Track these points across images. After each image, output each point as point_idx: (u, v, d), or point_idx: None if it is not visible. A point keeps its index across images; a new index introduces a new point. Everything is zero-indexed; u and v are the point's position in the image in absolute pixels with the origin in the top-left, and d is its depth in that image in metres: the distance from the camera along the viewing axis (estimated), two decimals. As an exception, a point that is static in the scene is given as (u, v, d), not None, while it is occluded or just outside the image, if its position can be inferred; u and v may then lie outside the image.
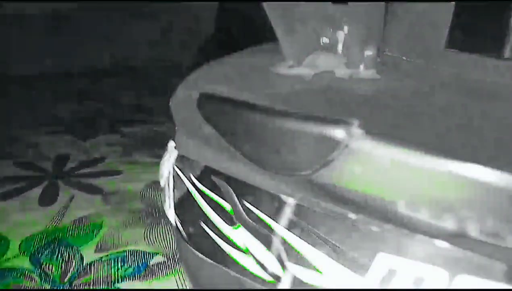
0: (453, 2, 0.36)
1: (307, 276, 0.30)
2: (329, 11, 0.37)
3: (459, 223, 0.25)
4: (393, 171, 0.26)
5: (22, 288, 0.81)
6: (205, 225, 0.36)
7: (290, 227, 0.30)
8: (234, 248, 0.34)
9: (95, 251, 0.91)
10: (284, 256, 0.31)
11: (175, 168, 0.41)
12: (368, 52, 0.36)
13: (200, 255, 0.37)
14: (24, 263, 0.88)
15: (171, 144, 0.44)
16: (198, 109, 0.37)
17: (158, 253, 0.90)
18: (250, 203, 0.33)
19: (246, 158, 0.33)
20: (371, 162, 0.27)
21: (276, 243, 0.31)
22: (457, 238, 0.25)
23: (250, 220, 0.33)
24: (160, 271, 0.85)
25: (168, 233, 0.97)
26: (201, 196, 0.37)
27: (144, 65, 2.39)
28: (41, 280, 0.83)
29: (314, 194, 0.30)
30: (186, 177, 0.39)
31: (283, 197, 0.31)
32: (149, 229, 0.99)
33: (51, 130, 1.58)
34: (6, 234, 0.96)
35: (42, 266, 0.86)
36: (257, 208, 0.32)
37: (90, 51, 2.27)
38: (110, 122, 1.67)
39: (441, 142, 0.26)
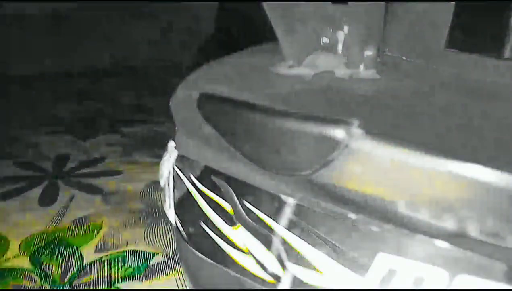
0: (453, 2, 0.36)
1: (307, 276, 0.30)
2: (329, 11, 0.37)
3: (459, 223, 0.25)
4: (393, 171, 0.26)
5: (22, 288, 0.81)
6: (205, 225, 0.36)
7: (290, 227, 0.30)
8: (234, 248, 0.34)
9: (95, 251, 0.91)
10: (284, 256, 0.31)
11: (175, 168, 0.41)
12: (368, 52, 0.36)
13: (200, 255, 0.37)
14: (24, 263, 0.88)
15: (171, 144, 0.44)
16: (198, 109, 0.37)
17: (158, 253, 0.90)
18: (250, 203, 0.33)
19: (246, 158, 0.33)
20: (371, 162, 0.27)
21: (276, 243, 0.31)
22: (457, 238, 0.25)
23: (250, 220, 0.33)
24: (160, 271, 0.85)
25: (168, 233, 0.97)
26: (201, 196, 0.37)
27: (144, 65, 2.39)
28: (41, 280, 0.83)
29: (314, 194, 0.30)
30: (186, 177, 0.39)
31: (283, 197, 0.31)
32: (149, 229, 0.99)
33: (51, 130, 1.58)
34: (6, 234, 0.96)
35: (42, 266, 0.86)
36: (257, 208, 0.32)
37: (90, 51, 2.27)
38: (110, 122, 1.67)
39: (441, 142, 0.26)
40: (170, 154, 0.43)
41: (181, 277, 0.83)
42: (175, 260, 0.87)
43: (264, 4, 0.38)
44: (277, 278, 0.31)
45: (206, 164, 0.37)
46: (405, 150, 0.26)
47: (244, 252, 0.33)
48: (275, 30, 0.39)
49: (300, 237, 0.30)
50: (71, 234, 0.97)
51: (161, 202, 0.46)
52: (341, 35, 0.36)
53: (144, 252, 0.91)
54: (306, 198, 0.30)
